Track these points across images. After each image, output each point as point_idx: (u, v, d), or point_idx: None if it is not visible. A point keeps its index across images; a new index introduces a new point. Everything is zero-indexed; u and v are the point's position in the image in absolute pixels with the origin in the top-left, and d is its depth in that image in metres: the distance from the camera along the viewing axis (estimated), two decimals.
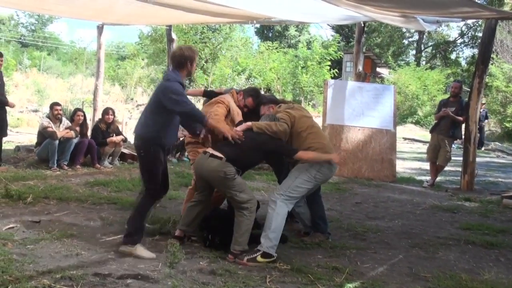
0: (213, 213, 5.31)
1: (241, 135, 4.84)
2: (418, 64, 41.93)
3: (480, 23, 34.47)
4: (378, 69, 41.77)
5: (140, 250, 4.66)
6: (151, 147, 4.79)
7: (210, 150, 4.76)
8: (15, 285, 3.64)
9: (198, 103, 21.08)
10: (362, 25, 12.00)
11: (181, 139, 11.51)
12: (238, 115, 5.50)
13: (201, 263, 4.51)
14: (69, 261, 4.34)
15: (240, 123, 5.30)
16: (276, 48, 35.29)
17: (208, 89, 6.52)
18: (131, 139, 13.89)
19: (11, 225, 5.34)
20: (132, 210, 5.09)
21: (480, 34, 10.97)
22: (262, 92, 6.99)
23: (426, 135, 22.35)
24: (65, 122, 9.66)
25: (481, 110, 21.43)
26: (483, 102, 23.65)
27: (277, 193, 4.93)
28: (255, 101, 5.60)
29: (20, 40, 47.78)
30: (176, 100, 4.68)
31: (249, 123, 5.05)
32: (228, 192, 4.75)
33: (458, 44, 50.54)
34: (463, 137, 10.01)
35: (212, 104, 5.59)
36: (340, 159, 5.19)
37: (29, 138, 13.74)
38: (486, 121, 21.92)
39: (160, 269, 4.27)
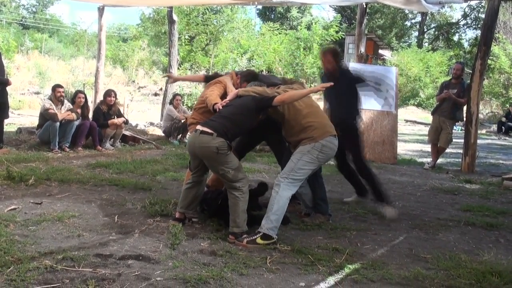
0: (216, 195, 5.35)
1: (223, 104, 5.00)
2: (420, 46, 41.72)
3: (483, 4, 34.24)
4: (380, 51, 41.56)
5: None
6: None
7: (200, 127, 4.75)
8: (17, 266, 3.67)
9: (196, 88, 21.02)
10: (364, 6, 11.93)
11: (182, 121, 11.54)
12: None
13: (202, 244, 4.53)
14: (71, 242, 4.37)
15: None
16: (278, 29, 35.07)
17: (209, 75, 6.58)
18: (132, 121, 13.95)
19: (13, 207, 5.36)
20: None
21: (483, 16, 10.90)
22: (265, 73, 7.00)
23: (427, 117, 22.31)
24: (67, 104, 9.66)
25: None
26: None
27: (281, 176, 4.91)
28: None
29: (21, 22, 47.54)
30: None
31: (236, 91, 5.19)
32: (221, 169, 4.69)
33: (461, 26, 50.28)
34: (464, 119, 9.99)
35: (211, 85, 5.70)
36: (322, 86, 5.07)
37: (31, 120, 13.77)
38: None
39: (161, 250, 4.29)
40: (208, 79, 6.25)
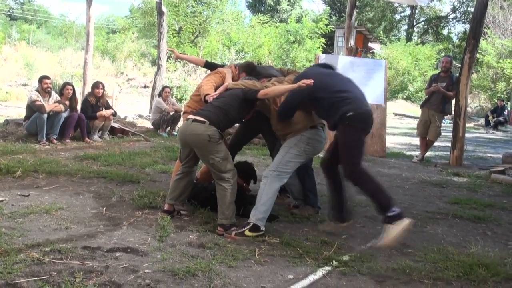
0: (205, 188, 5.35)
1: (215, 96, 5.01)
2: (409, 39, 41.84)
3: None
4: (369, 44, 41.59)
5: None
6: None
7: (192, 116, 4.76)
8: (4, 258, 3.64)
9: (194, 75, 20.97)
10: None
11: (170, 113, 11.50)
12: None
13: (190, 236, 4.52)
14: (58, 234, 4.34)
15: None
16: (268, 22, 34.98)
17: (210, 62, 6.59)
18: (121, 113, 13.89)
19: (0, 199, 5.32)
20: None
21: (472, 9, 10.95)
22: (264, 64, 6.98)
23: (416, 110, 22.42)
24: (54, 96, 9.58)
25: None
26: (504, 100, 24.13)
27: (269, 169, 4.90)
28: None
29: (9, 13, 47.13)
30: None
31: (225, 84, 5.23)
32: (211, 158, 4.68)
33: (450, 20, 50.47)
34: (453, 112, 10.04)
35: (211, 74, 5.74)
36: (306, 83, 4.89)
37: (18, 112, 13.67)
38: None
39: (149, 242, 4.27)
40: (208, 65, 6.35)
